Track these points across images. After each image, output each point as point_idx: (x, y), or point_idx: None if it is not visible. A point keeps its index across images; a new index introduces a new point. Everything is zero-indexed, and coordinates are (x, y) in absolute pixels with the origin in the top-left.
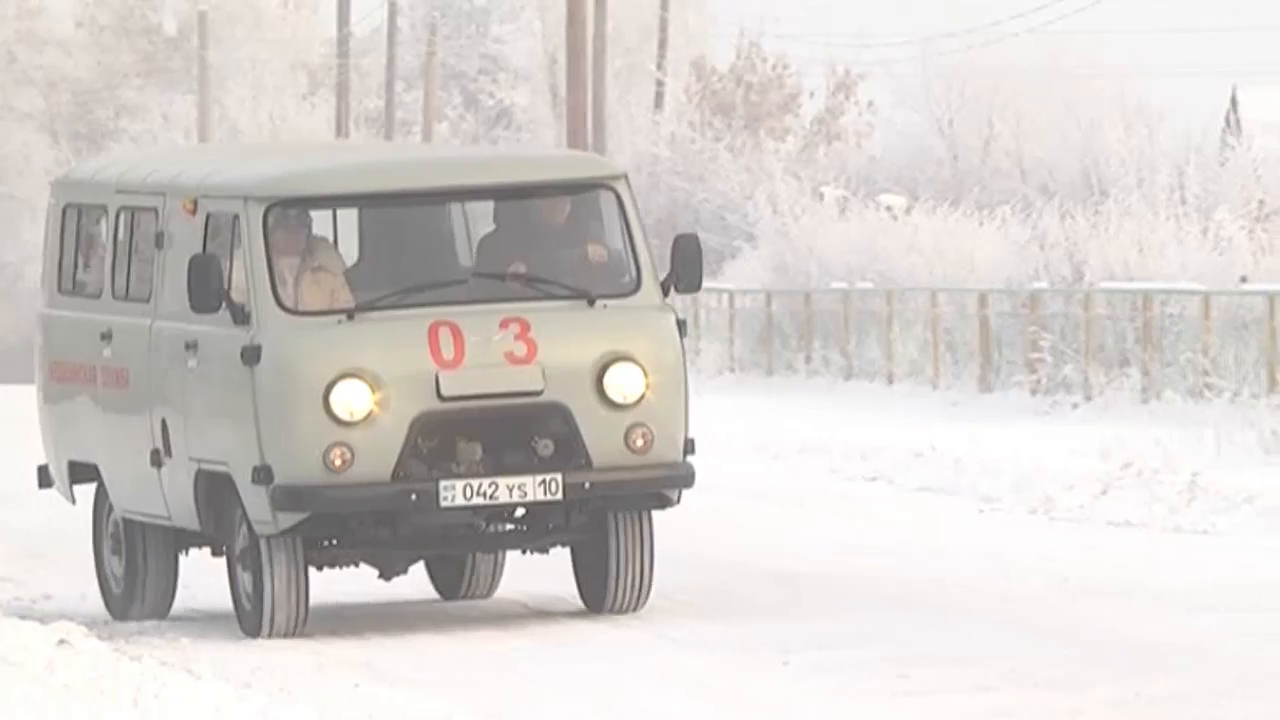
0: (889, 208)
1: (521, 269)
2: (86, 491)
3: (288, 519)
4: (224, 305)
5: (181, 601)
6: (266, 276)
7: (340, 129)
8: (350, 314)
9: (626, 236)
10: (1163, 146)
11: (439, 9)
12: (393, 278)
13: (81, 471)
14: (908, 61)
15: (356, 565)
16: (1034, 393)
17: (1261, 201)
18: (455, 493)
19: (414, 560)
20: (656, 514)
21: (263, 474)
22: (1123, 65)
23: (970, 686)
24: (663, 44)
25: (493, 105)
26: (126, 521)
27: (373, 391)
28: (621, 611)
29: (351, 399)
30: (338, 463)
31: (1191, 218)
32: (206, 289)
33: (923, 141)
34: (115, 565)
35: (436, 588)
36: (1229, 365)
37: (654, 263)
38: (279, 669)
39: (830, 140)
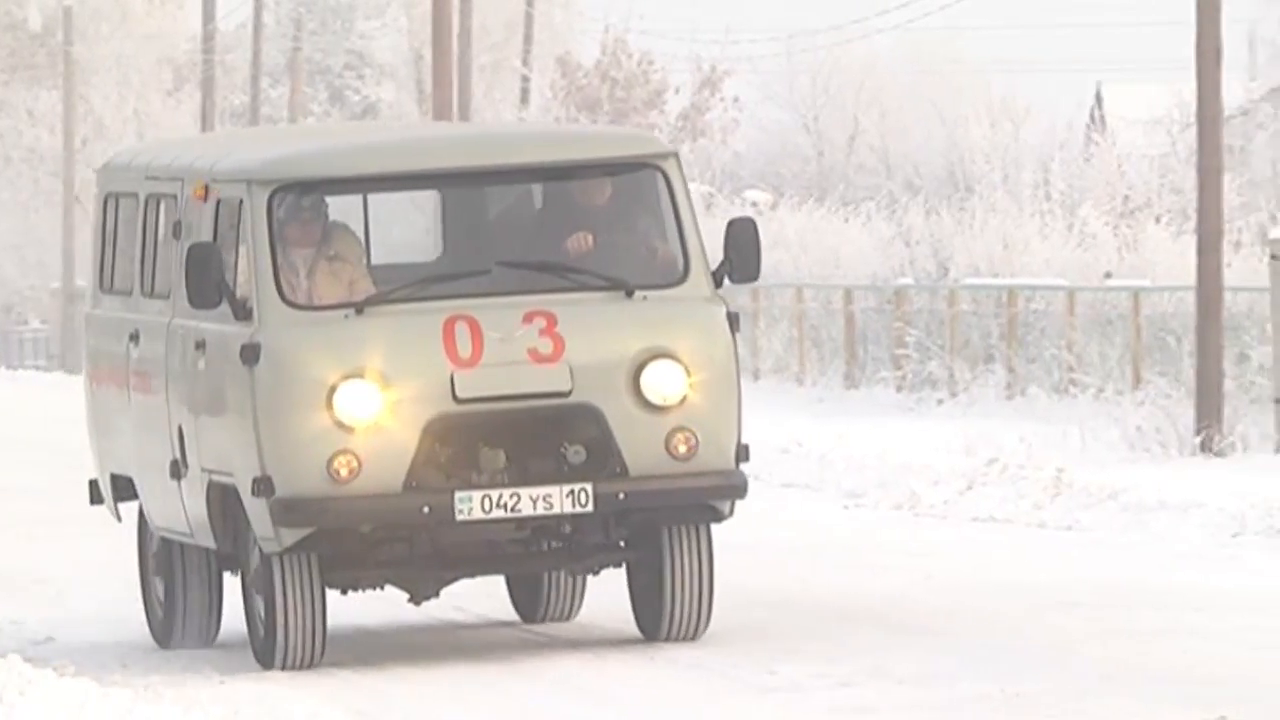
0: (754, 204)
1: (551, 257)
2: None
3: (290, 535)
4: (224, 299)
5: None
6: (269, 267)
7: (206, 125)
8: (359, 308)
9: (675, 221)
10: (1027, 143)
11: (304, 5)
12: (418, 267)
13: (125, 487)
14: (773, 58)
15: (381, 588)
16: (899, 389)
17: (1126, 198)
18: (473, 505)
19: (446, 582)
20: None
21: (263, 485)
22: (987, 62)
23: (834, 683)
24: (528, 39)
25: (358, 101)
26: (164, 540)
27: (381, 393)
28: (679, 639)
29: (358, 401)
30: (343, 472)
31: (1056, 214)
32: (204, 281)
33: (788, 138)
34: (158, 588)
35: (516, 609)
36: (1094, 361)
37: (705, 250)
38: (143, 666)
39: (696, 136)
